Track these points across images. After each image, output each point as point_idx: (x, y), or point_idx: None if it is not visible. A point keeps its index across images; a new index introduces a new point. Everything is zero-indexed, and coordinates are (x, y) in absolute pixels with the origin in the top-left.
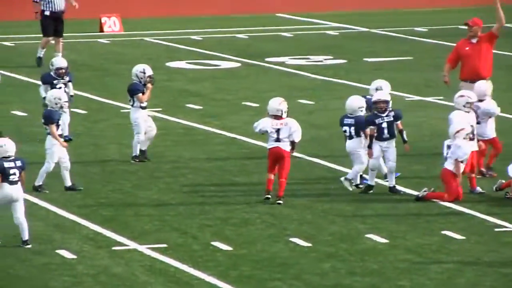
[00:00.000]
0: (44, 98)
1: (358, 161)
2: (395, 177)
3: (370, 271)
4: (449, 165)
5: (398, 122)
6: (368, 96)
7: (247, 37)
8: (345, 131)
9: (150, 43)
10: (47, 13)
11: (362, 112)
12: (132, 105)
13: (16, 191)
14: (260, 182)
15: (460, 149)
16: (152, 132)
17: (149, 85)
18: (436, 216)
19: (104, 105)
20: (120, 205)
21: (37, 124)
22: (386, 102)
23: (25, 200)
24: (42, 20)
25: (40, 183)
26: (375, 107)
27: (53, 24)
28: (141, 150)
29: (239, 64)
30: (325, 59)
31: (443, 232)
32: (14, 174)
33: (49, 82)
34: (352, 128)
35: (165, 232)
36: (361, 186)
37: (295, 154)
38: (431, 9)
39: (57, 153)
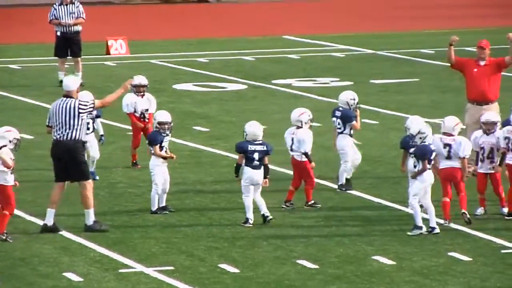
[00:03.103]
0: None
1: (343, 159)
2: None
3: None
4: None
5: None
6: (340, 108)
7: (253, 59)
8: (333, 123)
9: (157, 66)
10: (58, 33)
11: (354, 105)
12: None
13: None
14: (267, 205)
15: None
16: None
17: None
18: (443, 237)
19: (111, 127)
20: (127, 227)
21: (45, 147)
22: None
23: (32, 224)
24: (56, 41)
25: (161, 206)
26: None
27: (65, 45)
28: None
29: (245, 86)
30: (332, 81)
31: (450, 253)
32: (256, 159)
33: None
34: (339, 120)
35: (172, 255)
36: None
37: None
38: (437, 31)
39: (160, 174)
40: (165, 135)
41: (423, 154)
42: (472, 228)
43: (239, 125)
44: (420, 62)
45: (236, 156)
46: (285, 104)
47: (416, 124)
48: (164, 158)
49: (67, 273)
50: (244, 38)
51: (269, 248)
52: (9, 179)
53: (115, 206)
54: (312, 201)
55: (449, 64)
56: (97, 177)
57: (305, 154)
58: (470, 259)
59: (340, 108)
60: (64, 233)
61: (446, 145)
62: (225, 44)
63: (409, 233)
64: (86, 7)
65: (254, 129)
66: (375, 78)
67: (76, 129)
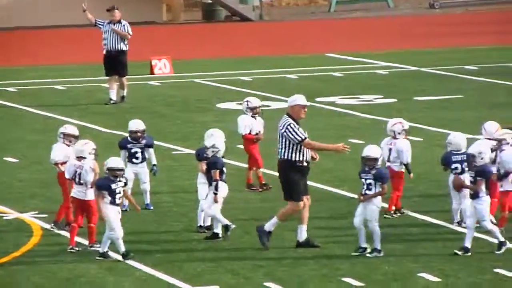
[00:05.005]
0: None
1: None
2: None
3: None
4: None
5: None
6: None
7: (297, 77)
8: (455, 168)
9: (200, 85)
10: (104, 52)
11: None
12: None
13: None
14: (312, 223)
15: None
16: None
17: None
18: (489, 253)
19: (155, 147)
20: (172, 247)
21: None
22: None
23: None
24: (103, 60)
25: (206, 225)
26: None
27: (111, 64)
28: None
29: None
30: (375, 98)
31: (496, 270)
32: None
33: (124, 147)
34: (464, 164)
35: (217, 274)
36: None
37: (344, 193)
38: (481, 47)
39: (203, 191)
40: (137, 146)
41: (485, 173)
42: None
43: None
44: (464, 79)
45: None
46: (329, 121)
47: (460, 140)
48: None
49: None
50: (287, 56)
51: (315, 266)
52: (89, 193)
53: (160, 225)
54: (397, 209)
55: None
56: (152, 207)
57: (405, 165)
58: None
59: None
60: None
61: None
62: (268, 62)
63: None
64: (130, 27)
65: None
66: (419, 95)
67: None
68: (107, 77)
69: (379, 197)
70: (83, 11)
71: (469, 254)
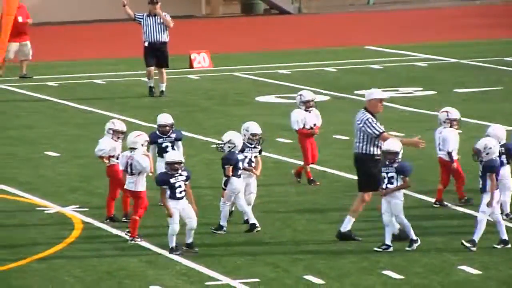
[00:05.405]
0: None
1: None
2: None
3: None
4: None
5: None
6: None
7: (335, 70)
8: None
9: (239, 78)
10: (146, 44)
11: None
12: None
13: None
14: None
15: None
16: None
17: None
18: None
19: (194, 140)
20: (212, 240)
21: None
22: None
23: (118, 236)
24: (144, 51)
25: (252, 222)
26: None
27: (152, 55)
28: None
29: (328, 97)
30: (415, 91)
31: None
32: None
33: (154, 141)
34: (503, 156)
35: (257, 267)
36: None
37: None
38: None
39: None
40: (167, 140)
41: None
42: None
43: (323, 136)
44: (504, 70)
45: (319, 167)
46: None
47: (499, 132)
48: (246, 170)
49: (153, 287)
50: (326, 49)
51: (354, 259)
52: (140, 184)
53: (200, 218)
54: (466, 197)
55: None
56: None
57: (448, 153)
58: None
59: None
60: (150, 246)
61: None
62: (307, 55)
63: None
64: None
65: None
66: (459, 87)
67: None
68: (148, 68)
69: (402, 191)
70: (123, 6)
71: (509, 246)
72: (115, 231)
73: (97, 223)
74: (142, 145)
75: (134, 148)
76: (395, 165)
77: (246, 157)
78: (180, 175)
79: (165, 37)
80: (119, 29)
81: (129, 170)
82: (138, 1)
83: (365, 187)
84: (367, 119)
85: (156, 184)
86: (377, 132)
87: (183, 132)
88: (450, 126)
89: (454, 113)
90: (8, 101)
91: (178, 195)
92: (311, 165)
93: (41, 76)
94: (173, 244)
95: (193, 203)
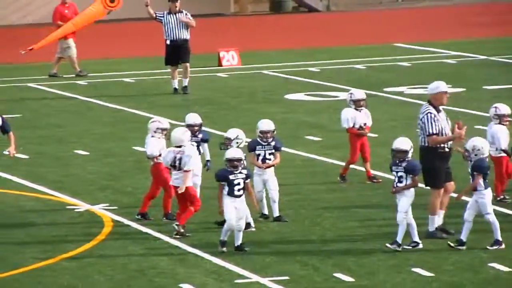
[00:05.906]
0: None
1: None
2: None
3: None
4: None
5: None
6: None
7: (364, 67)
8: None
9: (268, 76)
10: (168, 42)
11: None
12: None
13: None
14: (380, 214)
15: None
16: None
17: None
18: None
19: (220, 137)
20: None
21: None
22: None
23: (148, 235)
24: (166, 50)
25: (274, 216)
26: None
27: (174, 53)
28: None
29: None
30: None
31: None
32: None
33: None
34: None
35: (286, 264)
36: None
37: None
38: None
39: (258, 182)
40: (193, 140)
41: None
42: None
43: None
44: None
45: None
46: (397, 112)
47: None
48: (258, 166)
49: (183, 285)
50: (355, 47)
51: (384, 257)
52: (187, 180)
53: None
54: (501, 196)
55: None
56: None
57: (503, 150)
58: None
59: None
60: (180, 244)
61: None
62: (336, 53)
63: None
64: (197, 19)
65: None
66: (488, 84)
67: None
68: (170, 67)
69: (412, 189)
70: (146, 5)
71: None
72: (145, 229)
73: (127, 221)
74: (188, 141)
75: (181, 145)
76: (404, 164)
77: (259, 155)
78: (240, 172)
79: (186, 34)
80: (147, 27)
81: (177, 164)
82: (157, 1)
83: (430, 183)
84: (429, 112)
85: (215, 179)
86: (430, 131)
87: (213, 131)
88: (499, 122)
89: (503, 109)
90: (38, 100)
91: (236, 193)
92: (365, 166)
93: (71, 75)
94: (224, 238)
95: (254, 201)
